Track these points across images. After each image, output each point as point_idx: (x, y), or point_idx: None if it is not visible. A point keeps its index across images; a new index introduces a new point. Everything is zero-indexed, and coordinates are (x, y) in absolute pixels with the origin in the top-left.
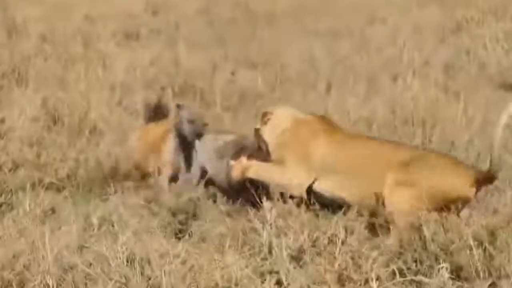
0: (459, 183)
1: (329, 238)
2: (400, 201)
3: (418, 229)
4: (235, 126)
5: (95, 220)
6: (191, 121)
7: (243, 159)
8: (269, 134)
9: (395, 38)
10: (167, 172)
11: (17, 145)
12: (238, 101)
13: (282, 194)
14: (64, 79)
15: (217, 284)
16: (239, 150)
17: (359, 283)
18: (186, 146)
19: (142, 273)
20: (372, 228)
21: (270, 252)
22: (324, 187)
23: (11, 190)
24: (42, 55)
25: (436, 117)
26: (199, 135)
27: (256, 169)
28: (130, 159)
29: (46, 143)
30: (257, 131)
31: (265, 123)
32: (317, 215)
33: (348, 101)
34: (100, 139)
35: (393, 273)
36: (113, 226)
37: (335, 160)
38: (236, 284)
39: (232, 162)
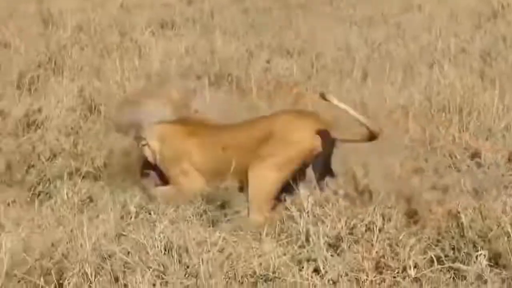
0: (304, 139)
1: (366, 225)
2: (260, 179)
3: (456, 216)
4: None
5: (132, 208)
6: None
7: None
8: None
9: (431, 26)
10: None
11: (54, 135)
12: (273, 89)
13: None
14: (100, 68)
15: (254, 272)
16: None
17: (396, 271)
18: None
19: (179, 261)
20: (409, 215)
21: (307, 240)
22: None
23: (48, 179)
24: (78, 45)
25: (473, 104)
26: None
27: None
28: None
29: (83, 132)
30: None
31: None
32: (355, 203)
33: (384, 89)
34: None
35: (431, 260)
36: (150, 214)
37: (205, 157)
38: (274, 272)
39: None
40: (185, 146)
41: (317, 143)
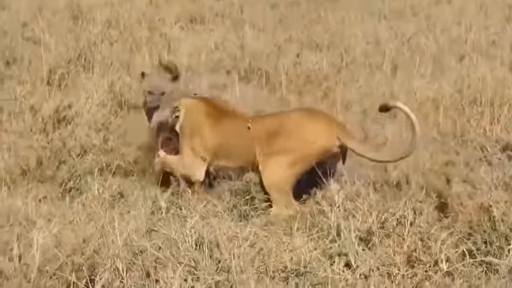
0: (322, 140)
1: (397, 219)
2: (272, 173)
3: (487, 209)
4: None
5: (163, 204)
6: (150, 92)
7: (161, 153)
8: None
9: (461, 18)
10: None
11: (85, 131)
12: (303, 83)
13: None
14: (129, 63)
15: (286, 267)
16: (163, 142)
17: (428, 265)
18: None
19: (211, 257)
20: (441, 209)
21: (338, 234)
22: (217, 166)
23: (79, 175)
24: (107, 40)
25: (504, 96)
26: (156, 107)
27: (167, 162)
28: None
29: (113, 128)
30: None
31: (176, 115)
32: (385, 197)
33: (414, 82)
34: None
35: (463, 254)
36: (181, 209)
37: (218, 141)
38: (305, 267)
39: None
40: (201, 124)
41: (332, 144)
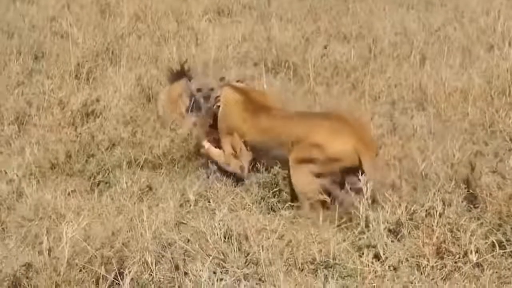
0: (347, 161)
1: (426, 210)
2: (298, 180)
3: None
4: (328, 100)
5: (191, 196)
6: (199, 89)
7: (206, 143)
8: (218, 115)
9: (490, 8)
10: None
11: (113, 124)
12: (331, 75)
13: None
14: (157, 56)
15: (314, 259)
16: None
17: (457, 256)
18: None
19: (239, 249)
20: (470, 200)
21: (367, 226)
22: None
23: (108, 168)
24: (135, 33)
25: None
26: (206, 98)
27: (210, 153)
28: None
29: (141, 121)
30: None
31: (217, 104)
32: (415, 188)
33: (443, 73)
34: None
35: (492, 245)
36: (209, 202)
37: (254, 138)
38: (334, 259)
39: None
40: (238, 119)
41: (356, 163)
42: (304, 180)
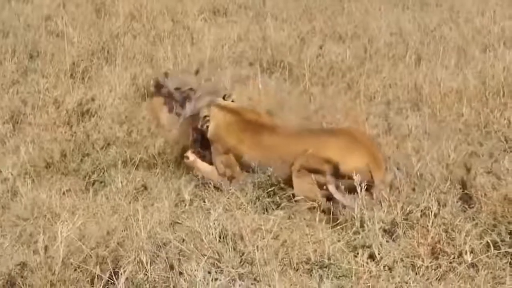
0: (360, 177)
1: (421, 211)
2: (300, 188)
3: None
4: (324, 101)
5: (186, 196)
6: (177, 88)
7: (191, 155)
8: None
9: (485, 9)
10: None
11: (108, 123)
12: (326, 75)
13: None
14: (152, 56)
15: (309, 259)
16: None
17: (452, 256)
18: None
19: (234, 249)
20: (465, 200)
21: (362, 226)
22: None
23: (103, 167)
24: (130, 33)
25: None
26: (187, 98)
27: (198, 168)
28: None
29: (136, 120)
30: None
31: (206, 121)
32: (410, 188)
33: (438, 73)
34: None
35: (487, 245)
36: (204, 202)
37: (250, 154)
38: (329, 258)
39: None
40: (235, 139)
41: (367, 177)
42: (310, 189)
